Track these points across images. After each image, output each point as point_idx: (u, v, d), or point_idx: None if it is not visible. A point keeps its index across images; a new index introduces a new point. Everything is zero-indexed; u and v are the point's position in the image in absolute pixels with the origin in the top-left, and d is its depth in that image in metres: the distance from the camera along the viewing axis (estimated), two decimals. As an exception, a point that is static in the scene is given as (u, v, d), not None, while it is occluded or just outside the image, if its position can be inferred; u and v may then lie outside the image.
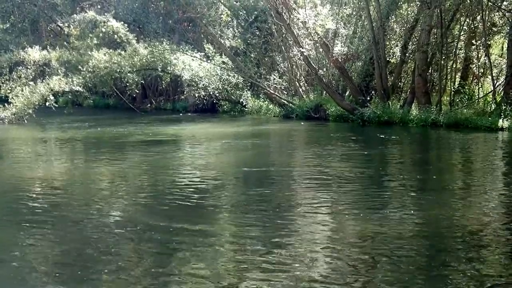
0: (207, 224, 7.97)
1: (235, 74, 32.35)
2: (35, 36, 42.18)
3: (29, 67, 28.48)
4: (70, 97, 31.65)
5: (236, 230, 7.69)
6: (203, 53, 32.35)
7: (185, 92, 35.37)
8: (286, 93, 32.08)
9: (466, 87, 27.01)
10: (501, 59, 28.27)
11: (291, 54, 30.97)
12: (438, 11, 23.57)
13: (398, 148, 17.55)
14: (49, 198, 9.79)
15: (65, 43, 33.10)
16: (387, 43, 27.03)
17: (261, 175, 12.03)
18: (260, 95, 32.47)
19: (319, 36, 26.70)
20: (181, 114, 32.47)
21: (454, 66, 26.92)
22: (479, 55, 27.45)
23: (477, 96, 25.47)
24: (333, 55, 26.39)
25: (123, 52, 30.03)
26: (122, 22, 32.23)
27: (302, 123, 25.21)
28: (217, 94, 32.22)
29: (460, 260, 6.32)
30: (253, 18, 33.23)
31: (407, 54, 26.79)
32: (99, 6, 37.99)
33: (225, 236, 7.41)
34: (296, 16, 26.92)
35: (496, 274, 5.94)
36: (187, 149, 17.30)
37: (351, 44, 29.36)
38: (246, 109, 31.81)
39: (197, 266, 6.20)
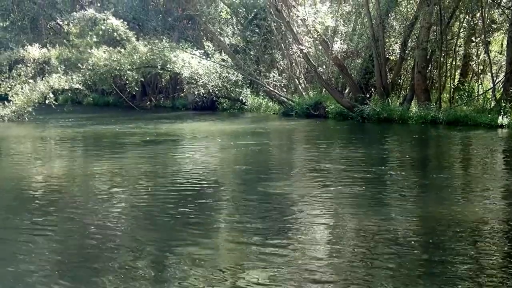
0: (207, 222, 8.00)
1: (235, 72, 32.34)
2: (35, 34, 42.14)
3: (28, 65, 28.50)
4: (70, 95, 31.68)
5: (235, 229, 7.70)
6: (202, 51, 32.33)
7: (184, 90, 35.38)
8: (285, 90, 32.08)
9: (465, 84, 27.05)
10: (501, 56, 28.27)
11: (290, 51, 30.94)
12: (438, 8, 23.57)
13: (397, 146, 17.56)
14: (49, 197, 9.80)
15: (64, 41, 33.11)
16: (387, 40, 27.01)
17: (261, 174, 12.04)
18: (260, 93, 32.48)
19: (318, 34, 26.70)
20: (185, 111, 32.41)
21: (454, 63, 26.92)
22: (479, 52, 27.46)
23: (476, 93, 25.49)
24: (333, 52, 26.40)
25: (122, 50, 30.05)
26: (122, 20, 32.25)
27: (311, 122, 25.18)
28: (217, 92, 32.24)
29: (460, 257, 6.33)
30: (252, 15, 33.24)
31: (406, 51, 26.76)
32: (98, 4, 38.07)
33: (225, 236, 7.44)
34: (295, 14, 26.95)
35: (495, 272, 5.96)
36: (187, 148, 17.31)
37: (351, 42, 29.33)
38: (246, 107, 31.80)
39: (197, 264, 6.21)
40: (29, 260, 6.39)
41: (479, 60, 27.67)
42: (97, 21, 32.05)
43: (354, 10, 29.97)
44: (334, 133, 21.10)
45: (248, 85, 33.01)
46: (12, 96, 26.04)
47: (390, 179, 11.46)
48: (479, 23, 25.51)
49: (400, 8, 27.69)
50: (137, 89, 33.72)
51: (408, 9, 27.29)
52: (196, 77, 31.22)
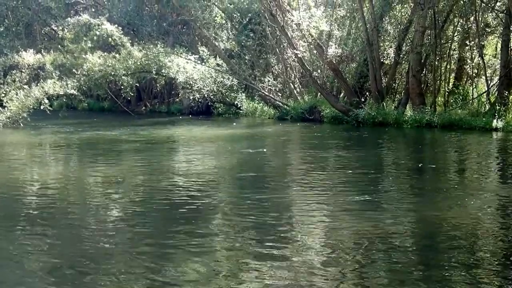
0: (202, 228, 7.98)
1: (230, 76, 32.37)
2: (30, 40, 42.13)
3: (23, 70, 28.46)
4: (64, 100, 31.74)
5: (231, 235, 7.68)
6: (197, 56, 32.33)
7: (179, 95, 35.40)
8: (280, 95, 32.12)
9: (460, 88, 27.11)
10: (495, 59, 28.38)
11: (285, 56, 30.99)
12: (432, 12, 23.65)
13: (392, 150, 17.58)
14: (45, 202, 9.77)
15: (59, 46, 33.08)
16: (381, 44, 27.07)
17: (256, 179, 12.05)
18: (255, 97, 32.47)
19: (313, 38, 26.74)
20: (180, 117, 32.37)
21: (448, 67, 27.01)
22: (473, 56, 27.55)
23: (471, 97, 25.55)
24: (327, 56, 26.43)
25: (117, 55, 30.04)
26: (116, 25, 32.27)
27: (307, 126, 25.21)
28: (212, 97, 32.23)
29: (454, 260, 6.34)
30: (247, 20, 33.29)
31: (401, 55, 26.84)
32: (93, 9, 38.06)
33: (221, 240, 7.41)
34: (290, 18, 26.95)
35: (489, 274, 5.96)
36: (182, 153, 17.31)
37: (345, 46, 29.40)
38: (241, 111, 31.80)
39: (193, 270, 6.20)
40: (24, 264, 6.37)
41: (473, 64, 27.76)
42: (92, 26, 32.05)
43: (348, 15, 30.03)
44: (329, 138, 21.10)
45: (243, 89, 33.02)
46: (7, 102, 25.99)
47: (385, 184, 11.47)
48: (473, 27, 25.60)
49: (394, 12, 27.77)
50: (132, 94, 33.72)
51: (402, 13, 27.38)
52: (191, 82, 31.25)
